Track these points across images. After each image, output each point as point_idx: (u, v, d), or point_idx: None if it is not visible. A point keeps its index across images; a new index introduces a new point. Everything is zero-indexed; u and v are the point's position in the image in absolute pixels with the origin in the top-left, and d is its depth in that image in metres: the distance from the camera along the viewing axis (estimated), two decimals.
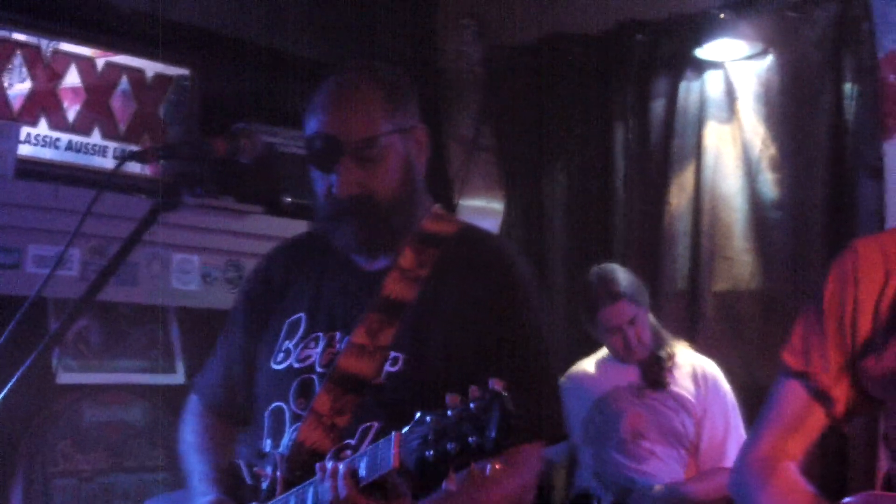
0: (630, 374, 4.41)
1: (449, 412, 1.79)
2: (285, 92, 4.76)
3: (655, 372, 4.36)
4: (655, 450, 4.28)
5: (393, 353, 2.37)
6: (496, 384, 1.75)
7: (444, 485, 1.78)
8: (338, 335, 2.46)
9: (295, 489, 2.22)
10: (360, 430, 2.32)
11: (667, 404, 4.34)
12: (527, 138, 5.58)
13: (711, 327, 4.84)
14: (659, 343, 4.42)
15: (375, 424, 2.29)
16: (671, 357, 4.39)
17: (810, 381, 2.17)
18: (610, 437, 4.32)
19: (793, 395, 2.21)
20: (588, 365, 4.59)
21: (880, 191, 4.40)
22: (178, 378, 4.51)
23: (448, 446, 1.76)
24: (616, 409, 4.35)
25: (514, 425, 1.71)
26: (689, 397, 4.35)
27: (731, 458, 4.20)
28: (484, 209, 5.65)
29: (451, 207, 5.47)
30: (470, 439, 1.74)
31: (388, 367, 2.37)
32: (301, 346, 2.49)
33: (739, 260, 4.82)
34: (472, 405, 1.76)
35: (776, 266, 4.73)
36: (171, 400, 4.35)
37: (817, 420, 2.20)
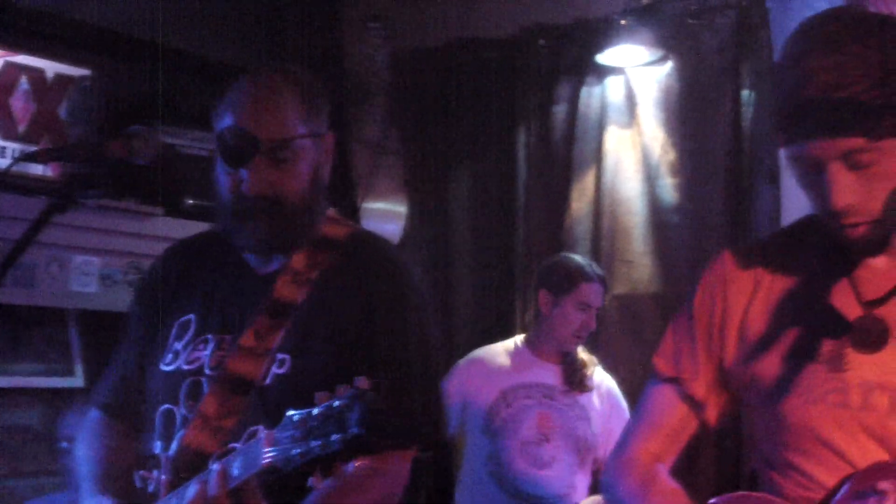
0: (545, 373, 4.40)
1: (314, 410, 1.80)
2: (189, 93, 4.72)
3: (581, 373, 4.39)
4: (557, 455, 4.28)
5: (279, 355, 2.38)
6: (361, 382, 1.77)
7: (308, 482, 1.80)
8: (228, 338, 2.45)
9: (176, 490, 2.22)
10: (245, 433, 2.32)
11: (574, 411, 4.35)
12: (432, 142, 5.61)
13: (612, 330, 4.87)
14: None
15: (261, 427, 2.28)
16: (593, 362, 4.44)
17: (681, 387, 2.20)
18: (514, 435, 4.29)
19: (664, 399, 2.24)
20: (499, 351, 4.54)
21: (777, 196, 4.48)
22: (77, 381, 4.48)
23: (312, 444, 1.78)
24: (524, 404, 4.32)
25: (376, 422, 1.72)
26: (594, 410, 4.39)
27: None
28: (388, 212, 5.65)
29: (354, 210, 5.48)
30: (333, 437, 1.75)
31: (274, 369, 2.37)
32: (190, 347, 2.48)
33: (639, 263, 4.88)
34: (335, 402, 1.77)
35: (675, 269, 4.79)
36: (70, 403, 4.32)
37: (688, 424, 2.23)
